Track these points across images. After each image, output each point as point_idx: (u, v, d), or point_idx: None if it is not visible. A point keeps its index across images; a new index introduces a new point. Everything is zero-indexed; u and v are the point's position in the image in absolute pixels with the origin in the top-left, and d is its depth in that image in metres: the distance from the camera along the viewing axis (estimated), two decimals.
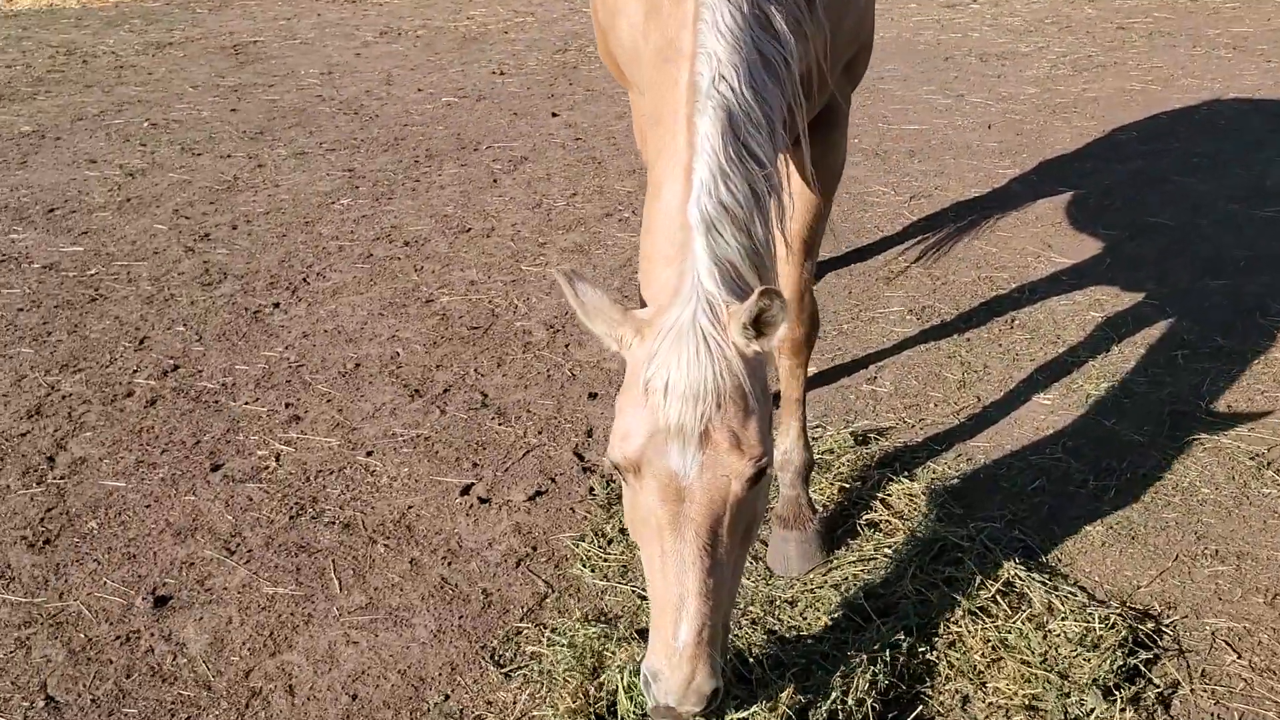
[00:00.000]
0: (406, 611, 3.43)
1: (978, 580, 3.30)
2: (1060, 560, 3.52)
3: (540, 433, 4.37)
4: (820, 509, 3.69)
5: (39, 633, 3.40)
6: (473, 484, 4.05)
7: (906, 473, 3.94)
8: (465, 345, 5.08)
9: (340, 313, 5.47)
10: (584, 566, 3.56)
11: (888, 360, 4.80)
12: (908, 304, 5.28)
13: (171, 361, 5.03)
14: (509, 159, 7.72)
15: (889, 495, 3.81)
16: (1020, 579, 3.32)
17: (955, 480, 3.92)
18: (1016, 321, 5.09)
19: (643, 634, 3.12)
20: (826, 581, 3.41)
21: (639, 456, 2.36)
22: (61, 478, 4.18)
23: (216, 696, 3.13)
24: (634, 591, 3.42)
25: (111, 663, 3.28)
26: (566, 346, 5.04)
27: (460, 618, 3.40)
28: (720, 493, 2.35)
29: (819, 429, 4.23)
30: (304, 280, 5.85)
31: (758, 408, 2.40)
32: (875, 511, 3.73)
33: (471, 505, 3.93)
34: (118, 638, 3.37)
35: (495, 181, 7.28)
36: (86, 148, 8.28)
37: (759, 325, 2.33)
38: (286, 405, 4.64)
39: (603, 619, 3.31)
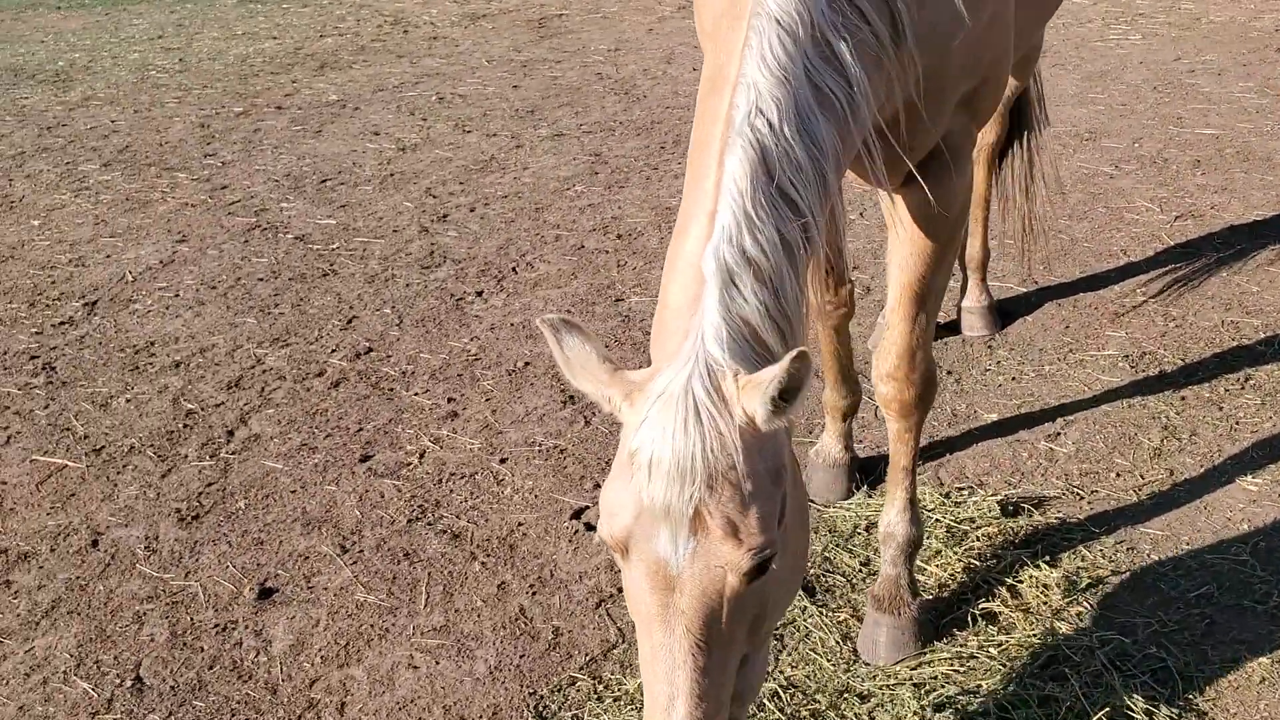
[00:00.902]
0: (474, 641, 3.40)
1: (1078, 706, 2.85)
2: (1200, 694, 2.98)
3: None
4: (927, 593, 3.32)
5: (155, 609, 3.63)
6: (586, 508, 3.95)
7: (1049, 557, 3.47)
8: (636, 352, 4.97)
9: (533, 306, 5.50)
10: None
11: (1080, 414, 4.25)
12: (1126, 348, 4.66)
13: (367, 344, 5.24)
14: None
15: (1020, 582, 3.37)
16: (1133, 713, 2.83)
17: (1107, 572, 3.41)
18: (1250, 382, 4.36)
19: None
20: (910, 678, 3.07)
21: (625, 537, 2.11)
22: (232, 453, 4.46)
23: (277, 703, 3.23)
24: None
25: (202, 650, 3.45)
26: None
27: (522, 656, 3.32)
28: (715, 585, 2.07)
29: (967, 490, 3.81)
30: (513, 269, 5.93)
31: (762, 491, 2.09)
32: (997, 600, 3.32)
33: (577, 531, 3.84)
34: (216, 625, 3.55)
35: None
36: (376, 120, 8.79)
37: (786, 395, 2.03)
38: (449, 400, 4.72)
39: None
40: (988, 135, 4.65)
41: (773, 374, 1.99)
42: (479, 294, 5.68)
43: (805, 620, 3.31)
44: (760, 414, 2.03)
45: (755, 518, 2.05)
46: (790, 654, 3.21)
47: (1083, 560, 3.46)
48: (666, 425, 2.05)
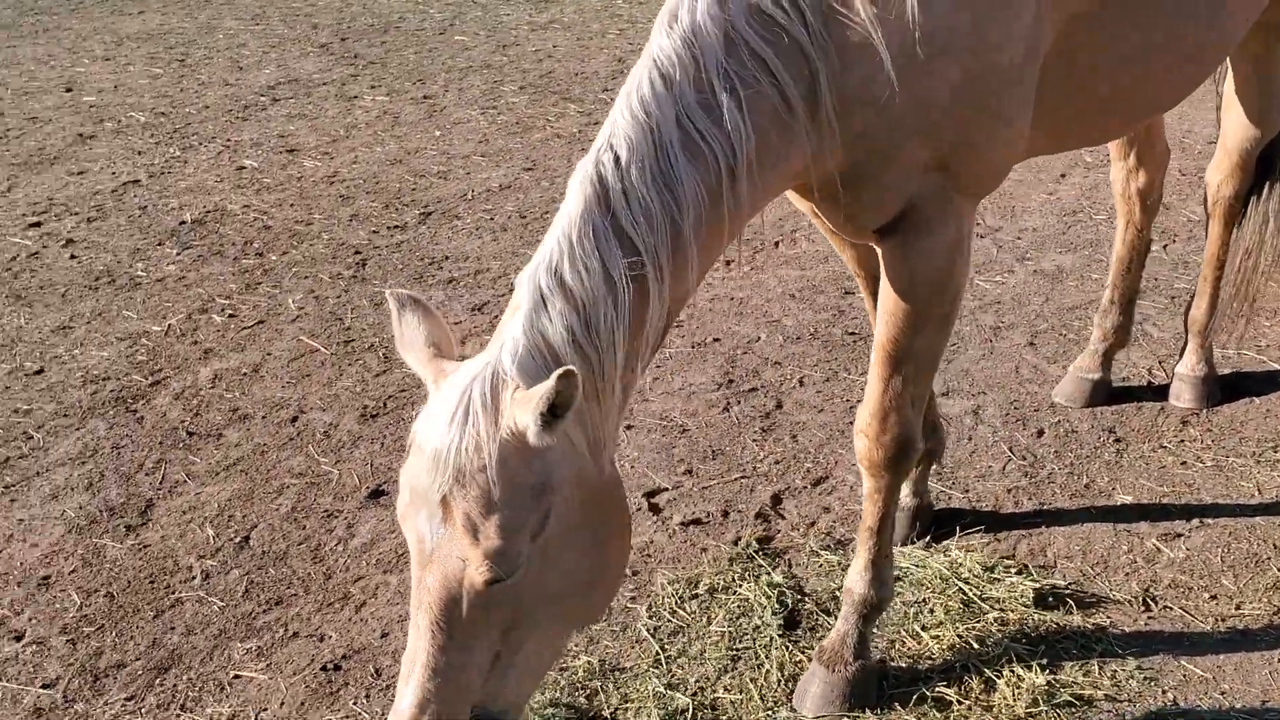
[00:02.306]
0: None
1: None
2: None
3: (779, 463, 4.24)
4: (906, 659, 3.21)
5: (295, 485, 4.36)
6: (663, 490, 4.14)
7: (1050, 660, 3.19)
8: (833, 351, 4.98)
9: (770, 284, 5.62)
10: (649, 633, 3.46)
11: (1224, 520, 3.73)
12: None
13: None
14: None
15: (999, 677, 3.15)
16: None
17: (1099, 697, 3.08)
18: None
19: None
20: None
21: (402, 510, 2.36)
22: None
23: (323, 588, 3.80)
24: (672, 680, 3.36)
25: (304, 529, 4.13)
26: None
27: None
28: (455, 574, 2.25)
29: (1016, 569, 3.54)
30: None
31: (513, 501, 2.23)
32: (962, 689, 3.13)
33: (639, 509, 4.05)
34: (326, 512, 4.20)
35: None
36: None
37: (555, 411, 2.18)
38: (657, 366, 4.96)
39: (593, 697, 3.25)
40: (1224, 189, 4.08)
41: (540, 390, 2.15)
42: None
43: (769, 650, 3.34)
44: (531, 428, 2.19)
45: (495, 524, 2.21)
46: (734, 676, 3.27)
47: (1083, 675, 3.15)
48: (439, 417, 2.27)
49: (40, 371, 5.15)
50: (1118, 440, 4.20)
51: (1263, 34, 3.74)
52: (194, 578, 3.85)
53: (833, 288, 5.56)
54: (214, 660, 3.49)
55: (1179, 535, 3.70)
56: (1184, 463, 4.04)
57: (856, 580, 3.17)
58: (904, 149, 2.64)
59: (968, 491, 3.99)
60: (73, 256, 6.28)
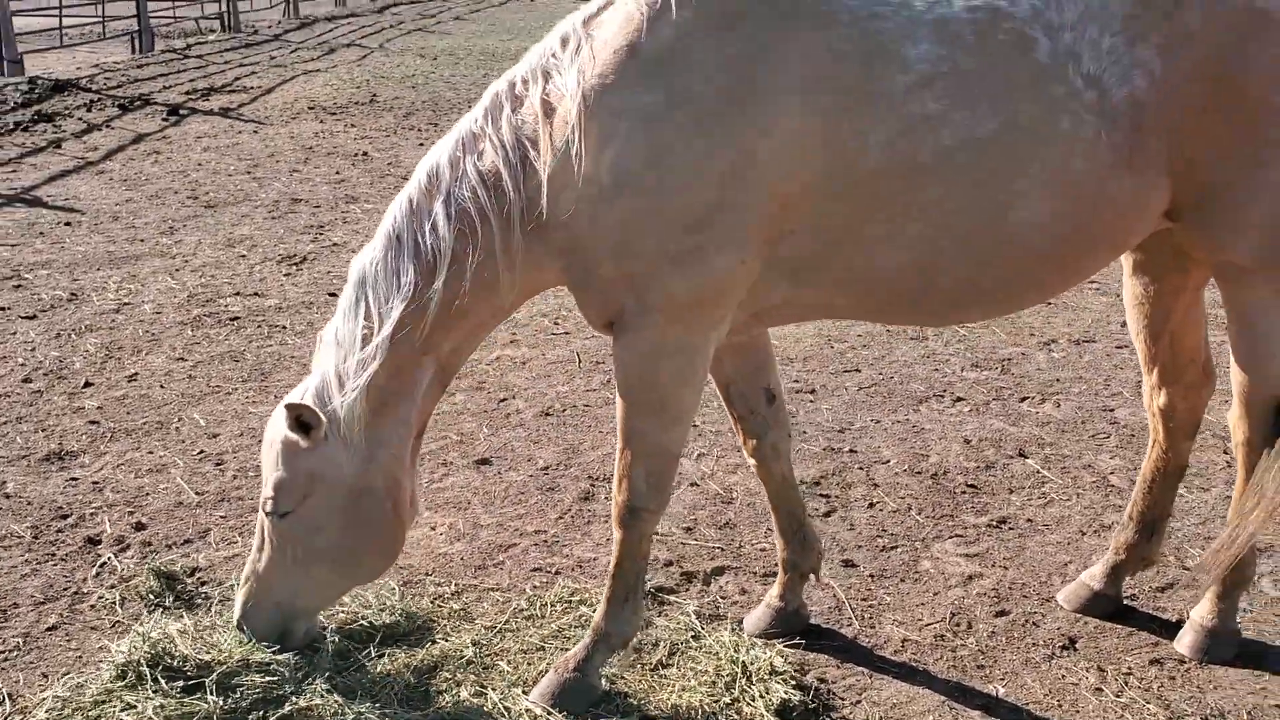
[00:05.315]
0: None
1: None
2: None
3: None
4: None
5: (606, 445, 5.63)
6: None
7: None
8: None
9: None
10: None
11: None
12: None
13: None
14: None
15: None
16: None
17: None
18: None
19: None
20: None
21: None
22: None
23: None
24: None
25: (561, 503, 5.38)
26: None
27: None
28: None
29: (795, 674, 3.68)
30: None
31: (289, 470, 3.42)
32: None
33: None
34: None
35: None
36: None
37: (298, 429, 3.39)
38: None
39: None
40: (1236, 434, 3.58)
41: (282, 412, 3.41)
42: None
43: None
44: (288, 436, 3.43)
45: (273, 480, 3.48)
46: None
47: None
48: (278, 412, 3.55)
49: None
50: (1066, 649, 3.96)
51: (1222, 282, 3.50)
52: None
53: None
54: None
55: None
56: (1098, 688, 3.74)
57: (599, 613, 3.68)
58: (600, 267, 3.23)
59: (899, 624, 4.09)
60: None
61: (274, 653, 3.64)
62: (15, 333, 6.93)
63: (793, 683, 3.69)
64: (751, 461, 3.93)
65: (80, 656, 3.90)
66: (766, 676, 3.69)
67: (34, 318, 7.20)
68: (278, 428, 3.48)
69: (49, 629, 4.07)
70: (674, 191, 3.09)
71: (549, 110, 3.16)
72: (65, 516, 4.85)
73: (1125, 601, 4.18)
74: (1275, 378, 3.48)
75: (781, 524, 3.99)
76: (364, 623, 3.99)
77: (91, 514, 4.87)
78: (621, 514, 3.50)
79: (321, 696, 3.52)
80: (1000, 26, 3.09)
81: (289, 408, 3.37)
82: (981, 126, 3.07)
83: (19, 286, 7.78)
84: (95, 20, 22.41)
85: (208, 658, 3.63)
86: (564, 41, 3.21)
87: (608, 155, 3.09)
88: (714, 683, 3.69)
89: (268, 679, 3.56)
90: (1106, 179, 3.13)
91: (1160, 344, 3.83)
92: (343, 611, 4.01)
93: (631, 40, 3.10)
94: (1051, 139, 3.09)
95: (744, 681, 3.68)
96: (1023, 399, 6.04)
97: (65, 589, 4.32)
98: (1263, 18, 3.11)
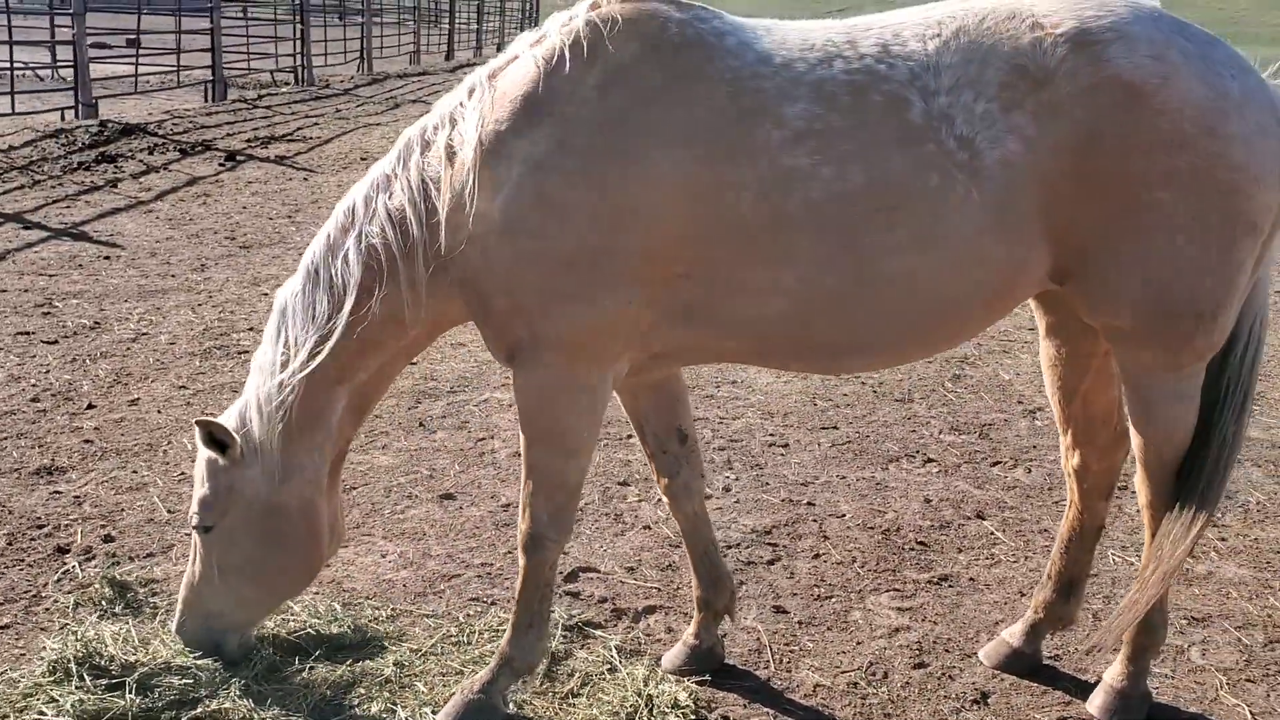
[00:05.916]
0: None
1: None
2: None
3: None
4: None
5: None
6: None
7: None
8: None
9: None
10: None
11: None
12: None
13: None
14: None
15: None
16: None
17: None
18: None
19: None
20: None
21: None
22: None
23: None
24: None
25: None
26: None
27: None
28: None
29: (701, 710, 3.75)
30: None
31: (212, 484, 3.65)
32: None
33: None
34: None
35: None
36: None
37: (215, 448, 3.63)
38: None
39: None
40: (1139, 497, 3.66)
41: (198, 434, 3.66)
42: None
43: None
44: (208, 453, 3.66)
45: (198, 494, 3.71)
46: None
47: None
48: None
49: None
50: (977, 703, 3.98)
51: (1113, 346, 3.57)
52: None
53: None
54: None
55: None
56: None
57: (504, 638, 3.79)
58: (493, 300, 3.40)
59: (815, 670, 4.14)
60: None
61: (197, 659, 3.81)
62: (35, 355, 7.26)
63: (693, 717, 3.76)
64: (665, 499, 4.04)
65: (24, 655, 4.08)
66: (668, 709, 3.78)
67: (55, 343, 7.53)
68: (201, 447, 3.69)
69: (1, 628, 4.26)
70: (559, 235, 3.25)
71: (451, 154, 3.36)
72: (41, 526, 5.07)
73: (1047, 661, 4.19)
74: (1167, 441, 3.53)
75: (695, 562, 4.08)
76: (310, 632, 4.14)
77: (66, 525, 5.09)
78: (525, 542, 3.63)
79: (233, 701, 3.68)
80: (877, 88, 3.22)
81: (199, 424, 3.59)
82: (849, 181, 3.18)
83: (48, 314, 8.15)
84: (173, 70, 23.31)
85: (133, 659, 3.81)
86: (470, 91, 3.42)
87: (500, 198, 3.27)
88: (616, 713, 3.78)
89: (184, 681, 3.73)
90: (978, 237, 3.22)
91: (1074, 405, 3.89)
92: (293, 620, 4.18)
93: (527, 92, 3.29)
94: (920, 194, 3.19)
95: (645, 713, 3.77)
96: (995, 464, 6.06)
97: (26, 592, 4.53)
98: (1132, 90, 3.18)
